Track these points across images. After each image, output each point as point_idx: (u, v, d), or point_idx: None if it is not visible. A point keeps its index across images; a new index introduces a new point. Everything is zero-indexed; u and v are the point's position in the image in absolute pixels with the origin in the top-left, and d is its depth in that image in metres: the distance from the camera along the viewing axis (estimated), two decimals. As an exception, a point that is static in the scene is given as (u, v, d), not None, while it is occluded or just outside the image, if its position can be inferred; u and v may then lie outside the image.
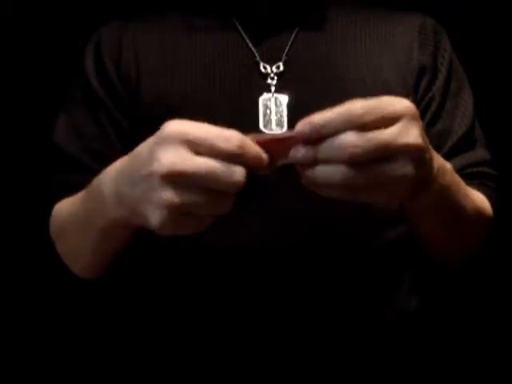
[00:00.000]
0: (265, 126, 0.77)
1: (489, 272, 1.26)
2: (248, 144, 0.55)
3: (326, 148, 0.54)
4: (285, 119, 0.77)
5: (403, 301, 0.82)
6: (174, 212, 0.55)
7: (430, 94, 0.84)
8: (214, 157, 0.54)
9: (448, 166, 0.69)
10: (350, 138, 0.53)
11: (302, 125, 0.55)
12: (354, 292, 0.78)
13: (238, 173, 0.54)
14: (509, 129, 1.25)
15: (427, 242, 0.82)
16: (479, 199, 0.82)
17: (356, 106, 0.54)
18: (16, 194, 1.24)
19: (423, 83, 0.84)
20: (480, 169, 0.86)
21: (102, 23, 0.90)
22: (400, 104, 0.56)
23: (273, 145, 0.57)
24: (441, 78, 0.85)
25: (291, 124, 0.77)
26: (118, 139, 0.83)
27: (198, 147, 0.54)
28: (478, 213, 0.80)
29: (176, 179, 0.54)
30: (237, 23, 0.83)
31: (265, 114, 0.78)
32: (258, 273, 0.75)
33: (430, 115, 0.84)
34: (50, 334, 1.29)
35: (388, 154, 0.54)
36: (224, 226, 0.75)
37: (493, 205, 0.85)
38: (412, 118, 0.56)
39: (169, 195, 0.54)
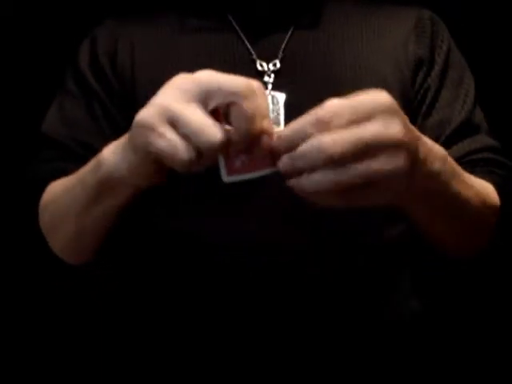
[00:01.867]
0: None
1: (491, 272, 1.25)
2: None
3: (302, 155, 0.54)
4: (282, 117, 0.77)
5: (403, 302, 0.82)
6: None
7: (425, 86, 0.84)
8: None
9: (440, 152, 0.65)
10: (324, 139, 0.53)
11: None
12: (354, 292, 0.77)
13: (218, 134, 0.54)
14: (509, 120, 1.25)
15: (431, 237, 0.79)
16: (481, 186, 0.77)
17: (324, 111, 0.54)
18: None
19: (420, 76, 0.84)
20: (485, 155, 0.83)
21: (100, 23, 0.90)
22: (374, 101, 0.55)
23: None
24: (437, 68, 0.84)
25: (288, 122, 0.77)
26: (112, 133, 0.81)
27: None
28: (481, 200, 0.75)
29: None
30: (233, 21, 0.83)
31: None
32: (256, 272, 0.75)
33: (425, 106, 0.83)
34: (48, 333, 1.30)
35: (369, 150, 0.53)
36: (221, 226, 0.75)
37: (500, 192, 0.79)
38: (388, 111, 0.55)
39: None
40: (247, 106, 0.54)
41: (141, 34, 0.85)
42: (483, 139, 0.84)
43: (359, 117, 0.54)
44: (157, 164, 0.60)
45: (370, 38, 0.83)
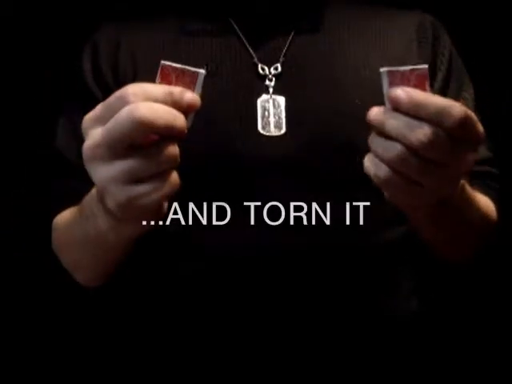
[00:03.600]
0: (263, 128, 0.77)
1: (489, 272, 1.25)
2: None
3: (402, 124, 0.53)
4: (283, 121, 0.77)
5: (403, 302, 0.82)
6: (122, 182, 0.53)
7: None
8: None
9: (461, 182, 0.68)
10: (426, 130, 0.52)
11: (401, 91, 0.53)
12: (354, 292, 0.78)
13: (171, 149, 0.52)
14: (509, 126, 1.25)
15: (432, 246, 0.82)
16: (486, 206, 0.81)
17: (458, 111, 0.52)
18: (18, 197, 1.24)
19: None
20: (482, 168, 0.85)
21: (101, 24, 0.90)
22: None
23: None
24: (440, 75, 0.85)
25: (290, 125, 0.77)
26: None
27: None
28: (486, 221, 0.80)
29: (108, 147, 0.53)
30: (234, 25, 0.83)
31: (263, 116, 0.77)
32: (256, 274, 0.76)
33: None
34: (48, 334, 1.30)
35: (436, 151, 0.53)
36: (219, 229, 0.76)
37: (496, 206, 0.84)
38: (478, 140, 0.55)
39: (110, 167, 0.53)
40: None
41: (142, 38, 0.84)
42: (481, 151, 0.86)
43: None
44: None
45: (372, 41, 0.83)
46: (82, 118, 0.84)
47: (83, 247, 0.77)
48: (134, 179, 0.53)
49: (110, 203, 0.56)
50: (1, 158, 1.27)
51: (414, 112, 0.52)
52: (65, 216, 0.82)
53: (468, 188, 0.71)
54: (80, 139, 0.84)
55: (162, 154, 0.53)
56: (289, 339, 0.76)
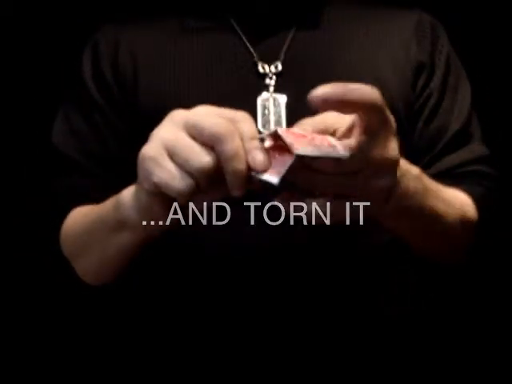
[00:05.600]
0: (263, 126, 0.77)
1: (488, 273, 1.25)
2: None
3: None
4: (283, 119, 0.77)
5: (403, 301, 0.82)
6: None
7: (428, 91, 0.84)
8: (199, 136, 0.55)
9: (414, 171, 0.65)
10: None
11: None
12: (354, 292, 0.78)
13: (206, 157, 0.54)
14: (508, 125, 1.25)
15: (412, 247, 0.80)
16: (459, 201, 0.79)
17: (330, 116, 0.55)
18: (18, 192, 1.24)
19: (421, 80, 0.84)
20: (475, 167, 0.84)
21: (101, 24, 0.90)
22: (378, 116, 0.54)
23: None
24: (439, 74, 0.85)
25: (289, 124, 0.77)
26: (115, 142, 0.83)
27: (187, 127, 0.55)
28: (458, 214, 0.77)
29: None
30: (234, 23, 0.83)
31: (263, 115, 0.78)
32: (255, 274, 0.76)
33: (427, 112, 0.84)
34: (54, 336, 1.30)
35: (367, 166, 0.54)
36: (219, 228, 0.76)
37: (482, 205, 0.82)
38: (390, 129, 0.55)
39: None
40: (226, 148, 0.54)
41: (141, 37, 0.85)
42: (475, 149, 0.85)
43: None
44: (160, 201, 0.59)
45: (372, 40, 0.83)
46: (79, 118, 0.86)
47: (93, 230, 0.75)
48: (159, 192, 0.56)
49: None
50: (1, 158, 1.28)
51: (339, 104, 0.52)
52: (81, 209, 0.81)
53: (426, 178, 0.69)
54: (76, 136, 0.85)
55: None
56: (288, 339, 0.76)
